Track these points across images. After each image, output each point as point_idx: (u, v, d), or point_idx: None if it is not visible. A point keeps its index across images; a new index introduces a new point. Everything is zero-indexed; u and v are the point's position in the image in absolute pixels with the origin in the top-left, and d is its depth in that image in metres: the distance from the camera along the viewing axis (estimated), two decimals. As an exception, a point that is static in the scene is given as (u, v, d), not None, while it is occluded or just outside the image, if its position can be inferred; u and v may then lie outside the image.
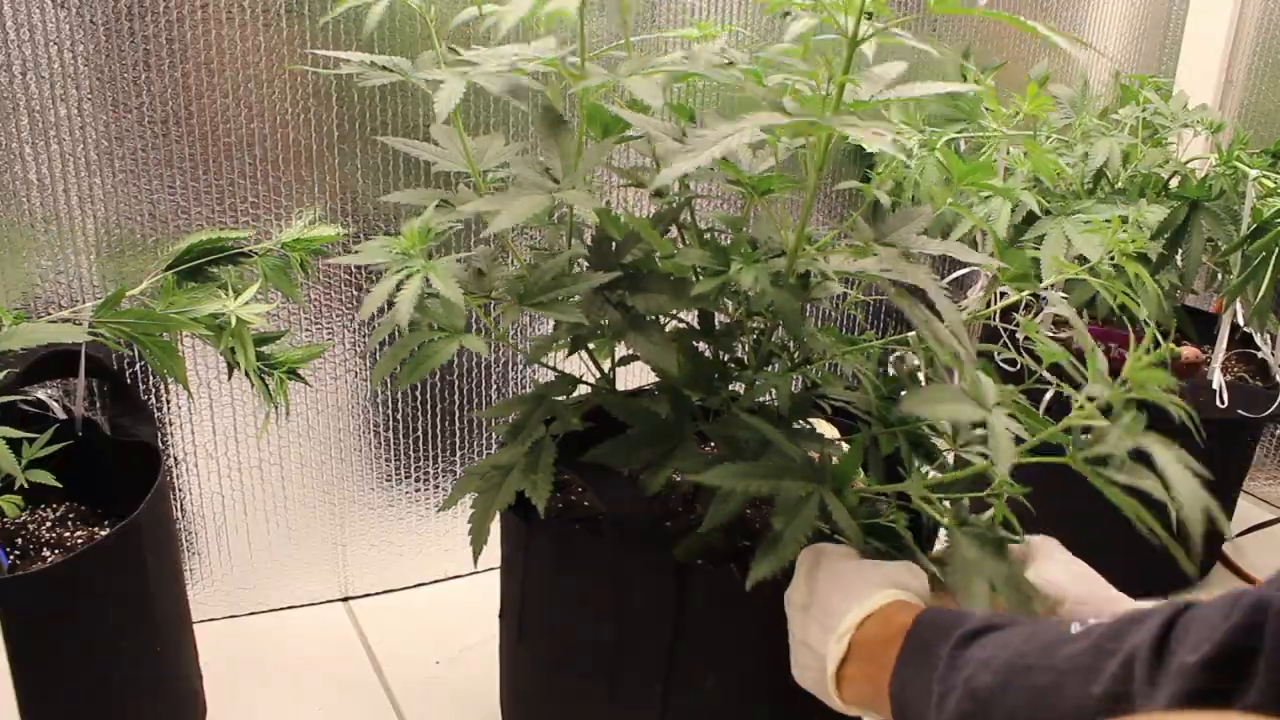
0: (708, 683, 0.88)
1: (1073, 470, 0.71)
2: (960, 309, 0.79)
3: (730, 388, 0.91)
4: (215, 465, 1.25)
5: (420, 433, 1.36)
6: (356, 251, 0.79)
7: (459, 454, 1.39)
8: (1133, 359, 0.69)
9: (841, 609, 0.73)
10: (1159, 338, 1.28)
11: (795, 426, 0.89)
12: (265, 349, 1.04)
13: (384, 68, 0.84)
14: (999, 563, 0.76)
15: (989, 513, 0.81)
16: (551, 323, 0.85)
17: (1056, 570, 0.78)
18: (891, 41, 0.71)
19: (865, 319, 1.68)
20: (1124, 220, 0.96)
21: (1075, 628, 0.59)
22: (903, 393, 0.93)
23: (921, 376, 0.92)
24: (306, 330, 1.24)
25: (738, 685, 0.89)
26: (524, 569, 0.97)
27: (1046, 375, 0.92)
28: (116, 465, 1.06)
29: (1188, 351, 1.44)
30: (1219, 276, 1.45)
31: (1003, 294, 1.13)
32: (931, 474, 0.87)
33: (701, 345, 0.91)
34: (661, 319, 0.86)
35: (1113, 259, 0.96)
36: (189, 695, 1.10)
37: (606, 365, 0.96)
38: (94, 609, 0.92)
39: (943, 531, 0.81)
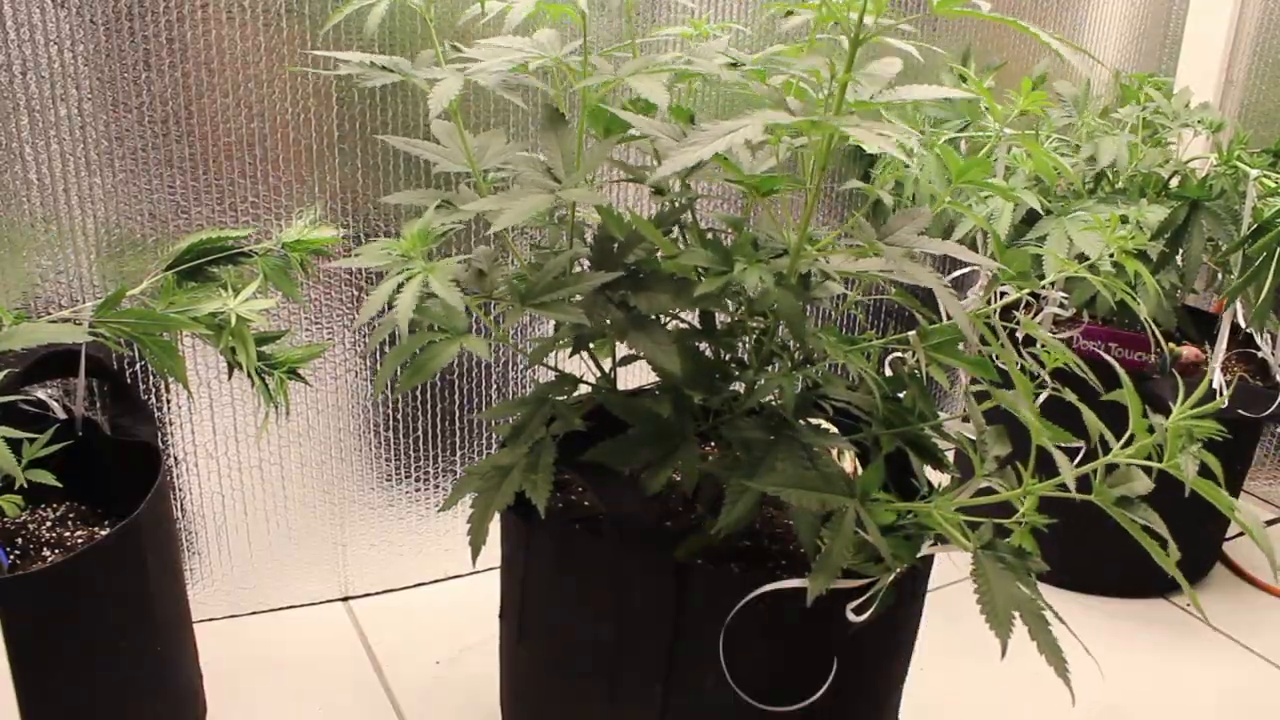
0: (708, 683, 0.88)
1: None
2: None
3: (731, 388, 0.91)
4: (215, 465, 1.25)
5: (420, 433, 1.35)
6: (356, 254, 0.79)
7: (459, 454, 1.39)
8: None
9: None
10: (1159, 338, 1.29)
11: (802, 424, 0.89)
12: (265, 349, 1.04)
13: (383, 68, 0.83)
14: (1023, 587, 0.77)
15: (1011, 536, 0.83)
16: (552, 324, 0.85)
17: None
18: (889, 41, 0.71)
19: (865, 319, 1.68)
20: (1124, 220, 0.96)
21: None
22: (902, 393, 0.93)
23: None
24: (306, 330, 1.24)
25: (738, 685, 0.89)
26: (524, 569, 0.97)
27: (1045, 376, 0.92)
28: (116, 465, 1.06)
29: (1188, 351, 1.44)
30: (1219, 276, 1.45)
31: (1002, 293, 1.13)
32: (945, 482, 0.88)
33: (703, 345, 0.91)
34: (662, 319, 0.86)
35: (1113, 257, 0.96)
36: (189, 695, 1.10)
37: (607, 365, 0.96)
38: (94, 609, 0.92)
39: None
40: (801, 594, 0.78)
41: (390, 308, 0.75)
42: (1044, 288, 1.06)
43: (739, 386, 0.91)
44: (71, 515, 1.07)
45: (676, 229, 0.92)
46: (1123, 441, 0.79)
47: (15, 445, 0.92)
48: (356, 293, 1.25)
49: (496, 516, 0.88)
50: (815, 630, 0.86)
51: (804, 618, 0.81)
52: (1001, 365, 0.86)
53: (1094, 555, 1.40)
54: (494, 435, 1.39)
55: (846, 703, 0.90)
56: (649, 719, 0.91)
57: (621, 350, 0.93)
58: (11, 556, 0.99)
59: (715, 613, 0.86)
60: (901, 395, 0.93)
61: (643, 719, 0.91)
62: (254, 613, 1.34)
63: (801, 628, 0.86)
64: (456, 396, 1.36)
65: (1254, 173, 1.29)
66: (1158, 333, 1.26)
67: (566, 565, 0.94)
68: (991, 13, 0.70)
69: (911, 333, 0.89)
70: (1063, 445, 0.81)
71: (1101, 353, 1.33)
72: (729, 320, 0.91)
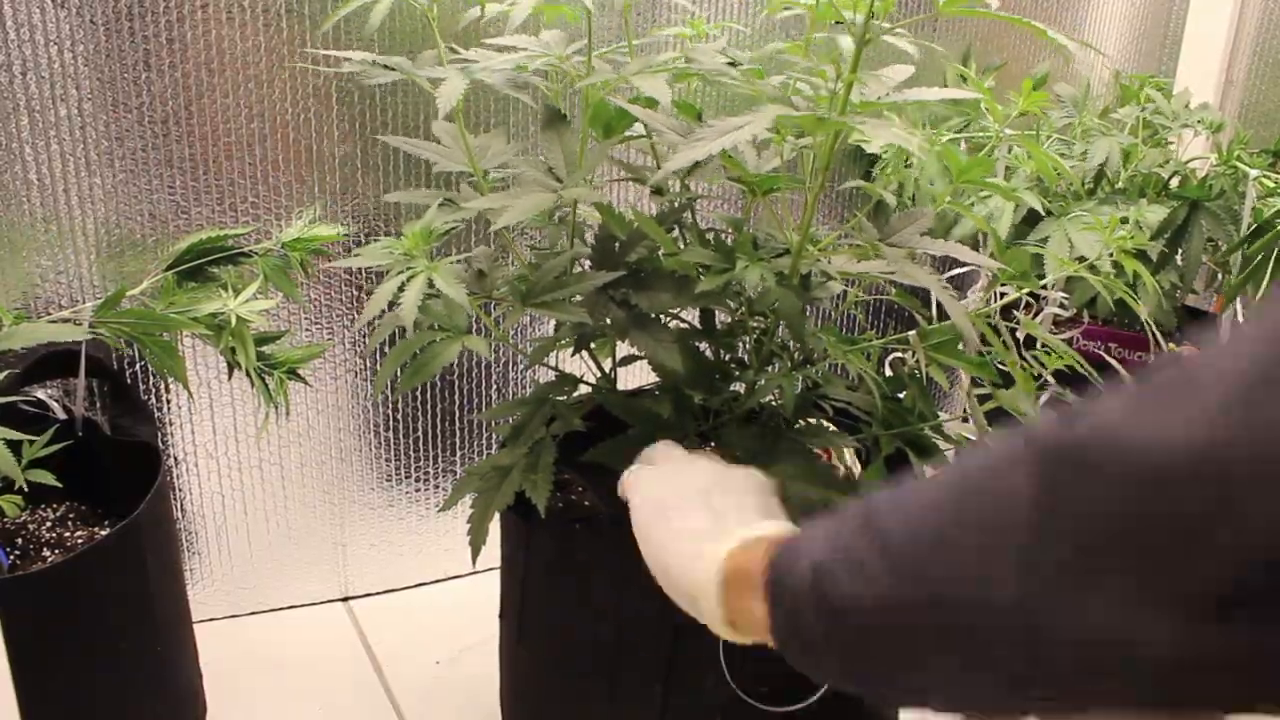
0: (707, 683, 0.88)
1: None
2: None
3: (731, 388, 0.91)
4: (215, 465, 1.25)
5: (420, 433, 1.35)
6: (358, 254, 0.79)
7: (459, 454, 1.39)
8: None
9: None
10: (1159, 338, 1.29)
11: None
12: (265, 349, 1.04)
13: (386, 66, 0.83)
14: None
15: None
16: (552, 324, 0.85)
17: None
18: (892, 42, 0.71)
19: (865, 319, 1.68)
20: (1124, 220, 0.96)
21: None
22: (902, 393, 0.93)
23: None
24: (306, 330, 1.24)
25: (737, 685, 0.89)
26: (524, 569, 0.97)
27: (1047, 376, 0.93)
28: (116, 465, 1.06)
29: (1188, 352, 1.44)
30: (1219, 276, 1.45)
31: (1002, 293, 1.13)
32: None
33: (703, 345, 0.91)
34: (663, 319, 0.86)
35: (1112, 257, 0.96)
36: (189, 695, 1.10)
37: (607, 365, 0.96)
38: (94, 609, 0.92)
39: None
40: (802, 594, 0.78)
41: (392, 307, 0.75)
42: (1044, 288, 1.06)
43: (739, 386, 0.91)
44: (71, 515, 1.07)
45: (676, 230, 0.93)
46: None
47: (15, 445, 0.92)
48: (356, 293, 1.25)
49: (496, 516, 0.88)
50: (816, 630, 0.86)
51: (805, 618, 0.81)
52: (1002, 365, 0.86)
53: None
54: (494, 435, 1.39)
55: (846, 703, 0.90)
56: (649, 719, 0.91)
57: (622, 350, 0.93)
58: (11, 556, 0.99)
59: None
60: (901, 395, 0.93)
61: (643, 719, 0.91)
62: (254, 613, 1.34)
63: (802, 628, 0.86)
64: (456, 396, 1.36)
65: (1253, 173, 1.30)
66: (1158, 333, 1.26)
67: (566, 565, 0.94)
68: (1000, 11, 0.70)
69: (911, 333, 0.89)
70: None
71: (1102, 353, 1.33)
72: (729, 320, 0.91)
